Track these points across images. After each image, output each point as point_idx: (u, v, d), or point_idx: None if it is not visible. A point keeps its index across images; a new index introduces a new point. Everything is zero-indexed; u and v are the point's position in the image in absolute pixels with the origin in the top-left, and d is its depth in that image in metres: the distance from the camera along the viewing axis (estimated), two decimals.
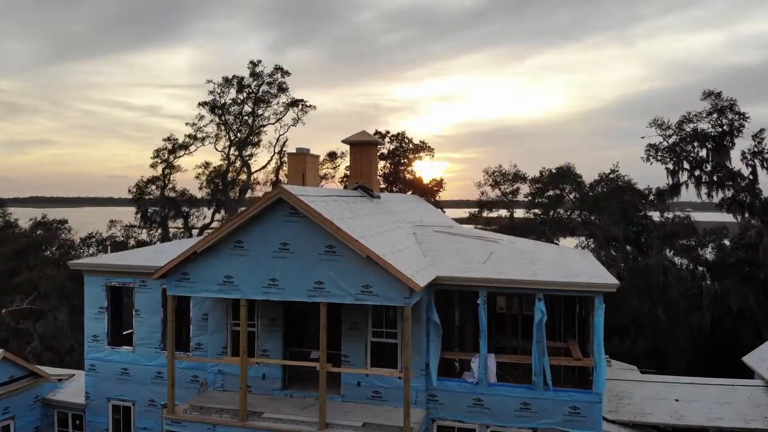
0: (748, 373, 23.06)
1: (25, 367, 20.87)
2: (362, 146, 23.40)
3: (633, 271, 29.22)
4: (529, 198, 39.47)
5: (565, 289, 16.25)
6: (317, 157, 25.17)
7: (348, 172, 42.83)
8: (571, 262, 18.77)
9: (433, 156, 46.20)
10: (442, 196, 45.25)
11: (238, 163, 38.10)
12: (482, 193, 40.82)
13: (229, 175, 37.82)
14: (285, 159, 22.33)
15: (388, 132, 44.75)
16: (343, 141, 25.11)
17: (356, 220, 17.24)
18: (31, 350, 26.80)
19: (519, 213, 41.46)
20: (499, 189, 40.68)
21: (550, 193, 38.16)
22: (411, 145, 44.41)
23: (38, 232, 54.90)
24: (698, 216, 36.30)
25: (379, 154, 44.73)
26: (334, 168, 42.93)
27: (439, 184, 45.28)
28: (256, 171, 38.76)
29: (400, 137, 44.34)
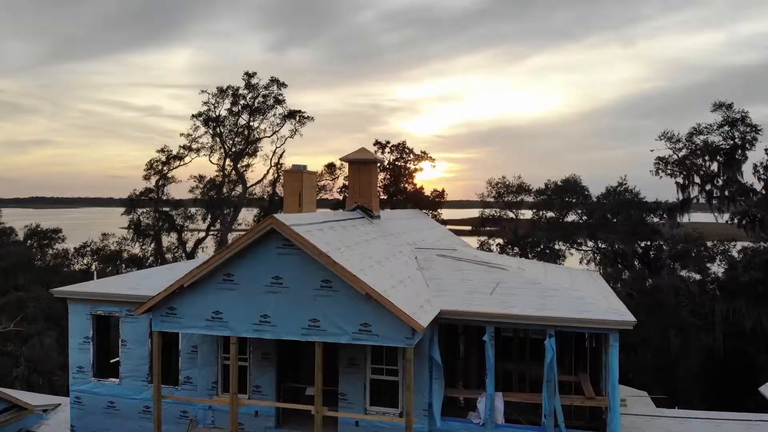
0: (762, 401, 22.18)
1: (8, 399, 19.84)
2: (361, 164, 22.38)
3: (643, 291, 28.15)
4: (534, 210, 38.35)
5: (579, 326, 15.21)
6: (314, 173, 24.17)
7: (346, 186, 41.97)
8: (584, 292, 17.73)
9: (434, 166, 45.25)
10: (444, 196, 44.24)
11: (233, 175, 37.03)
12: (485, 206, 39.71)
13: (224, 188, 36.72)
14: (282, 171, 21.34)
15: (388, 142, 43.76)
16: (342, 159, 24.11)
17: (354, 249, 16.21)
18: (18, 374, 25.81)
19: (524, 217, 40.27)
20: (503, 200, 39.60)
21: (556, 209, 36.99)
22: (412, 155, 43.40)
23: (31, 241, 53.97)
24: (696, 216, 35.22)
25: (378, 164, 44.04)
26: (333, 180, 41.92)
27: (440, 194, 44.23)
28: (251, 185, 37.77)
29: (400, 147, 43.32)
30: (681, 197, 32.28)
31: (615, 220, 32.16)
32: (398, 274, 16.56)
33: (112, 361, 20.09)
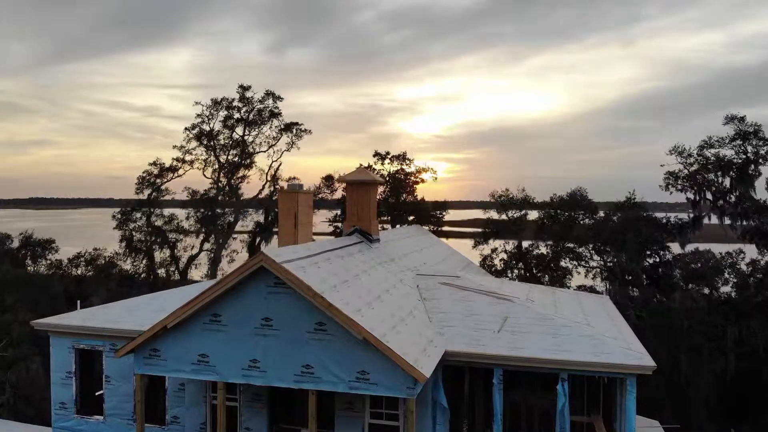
0: None
1: None
2: (360, 186, 21.32)
3: (653, 312, 27.05)
4: (540, 220, 37.12)
5: (594, 370, 14.12)
6: (311, 192, 23.15)
7: (344, 201, 40.75)
8: (598, 326, 16.68)
9: (436, 178, 44.14)
10: (444, 196, 43.22)
11: (227, 188, 35.81)
12: (488, 220, 38.53)
13: (219, 203, 35.50)
14: (278, 188, 20.31)
15: (388, 153, 42.63)
16: (339, 180, 23.16)
17: (352, 284, 15.13)
18: (4, 401, 24.70)
19: (530, 224, 39.00)
20: (506, 215, 38.47)
21: (562, 225, 35.76)
22: (413, 167, 42.30)
23: (24, 251, 52.90)
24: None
25: (377, 172, 43.05)
26: (331, 192, 40.74)
27: (442, 207, 43.11)
28: (247, 199, 36.40)
29: (401, 157, 42.19)
30: (692, 214, 31.18)
31: (624, 240, 31.01)
32: (399, 310, 15.47)
33: (97, 393, 19.02)
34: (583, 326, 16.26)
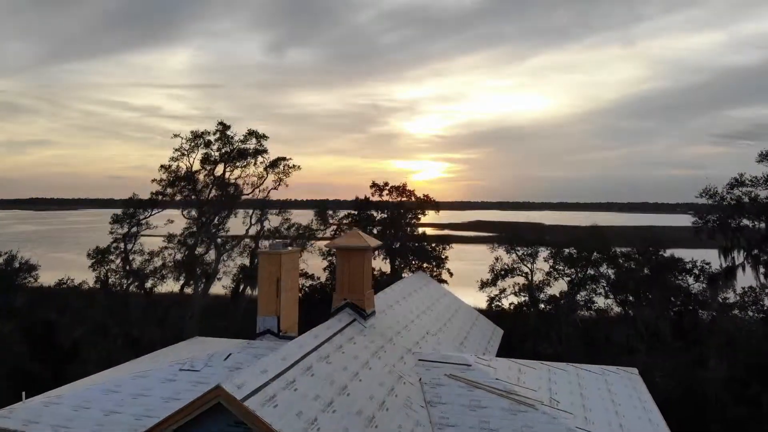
0: None
1: None
2: (352, 252, 18.29)
3: (683, 379, 23.96)
4: (551, 264, 34.04)
5: None
6: (297, 252, 20.08)
7: (340, 230, 37.96)
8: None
9: (438, 210, 41.08)
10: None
11: (206, 232, 32.55)
12: (497, 259, 35.47)
13: (198, 248, 32.32)
14: (259, 251, 17.41)
15: (386, 183, 39.62)
16: (329, 245, 20.02)
17: (338, 405, 12.05)
18: None
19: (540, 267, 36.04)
20: (516, 254, 35.41)
21: (579, 269, 32.65)
22: (413, 198, 39.22)
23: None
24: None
25: (376, 196, 40.11)
26: (324, 229, 37.66)
27: (445, 240, 39.97)
28: (228, 247, 33.21)
29: (400, 190, 39.14)
30: (724, 263, 28.11)
31: (650, 295, 27.97)
32: None
33: None
34: None
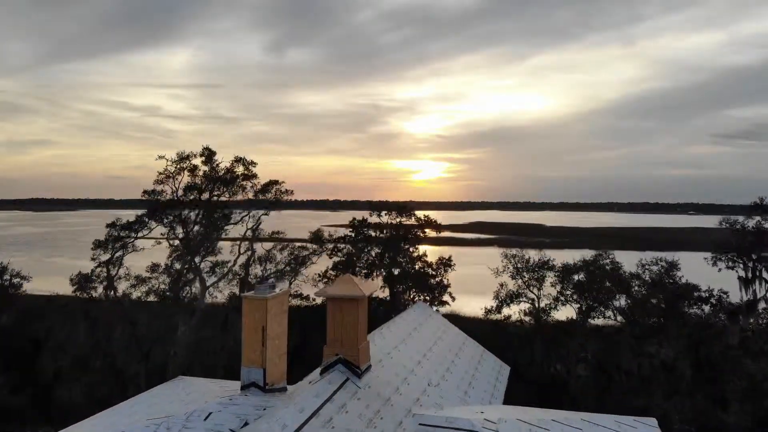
0: None
1: None
2: (345, 302, 16.49)
3: (703, 424, 22.21)
4: (558, 290, 32.30)
5: None
6: (285, 294, 18.25)
7: (337, 256, 36.25)
8: None
9: (439, 231, 39.31)
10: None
11: (192, 264, 30.79)
12: (501, 285, 33.73)
13: (181, 281, 30.60)
14: (243, 295, 15.75)
15: (386, 201, 37.89)
16: (319, 294, 18.22)
17: None
18: None
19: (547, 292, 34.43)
20: (521, 278, 33.66)
21: (587, 299, 30.87)
22: (414, 220, 37.43)
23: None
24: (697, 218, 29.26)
25: (375, 218, 38.53)
26: (321, 251, 35.89)
27: (447, 264, 38.17)
28: (212, 283, 31.48)
29: (399, 210, 37.35)
30: (745, 296, 26.41)
31: (665, 328, 26.18)
32: None
33: None
34: None
